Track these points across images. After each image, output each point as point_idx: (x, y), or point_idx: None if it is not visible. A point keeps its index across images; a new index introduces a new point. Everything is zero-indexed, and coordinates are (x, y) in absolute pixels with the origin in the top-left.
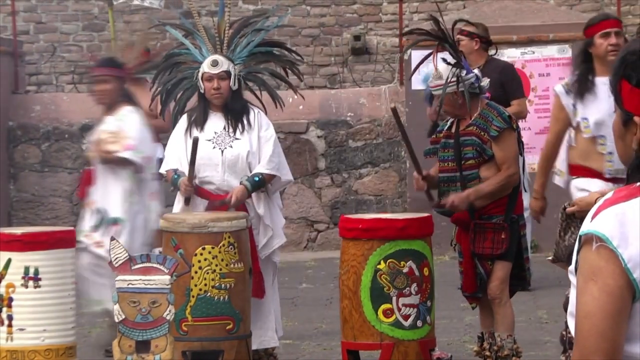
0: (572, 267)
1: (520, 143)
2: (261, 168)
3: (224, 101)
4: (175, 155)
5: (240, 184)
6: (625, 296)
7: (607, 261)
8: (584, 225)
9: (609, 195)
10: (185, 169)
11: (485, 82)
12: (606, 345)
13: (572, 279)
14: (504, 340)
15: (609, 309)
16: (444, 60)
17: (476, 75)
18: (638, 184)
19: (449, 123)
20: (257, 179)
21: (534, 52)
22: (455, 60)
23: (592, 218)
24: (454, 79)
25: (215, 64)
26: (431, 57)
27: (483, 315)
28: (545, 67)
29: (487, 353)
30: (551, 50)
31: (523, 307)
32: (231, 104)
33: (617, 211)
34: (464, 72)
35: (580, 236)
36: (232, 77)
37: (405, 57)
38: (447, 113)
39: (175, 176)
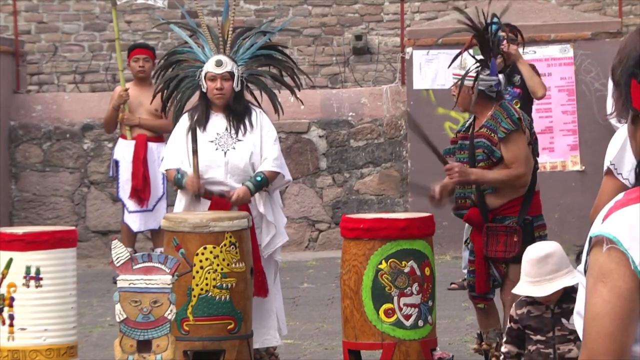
0: (581, 267)
1: (534, 144)
2: (266, 166)
3: (225, 102)
4: (176, 154)
5: (243, 185)
6: (635, 298)
7: (617, 263)
8: (595, 226)
9: (620, 197)
10: (187, 169)
11: (517, 78)
12: (614, 347)
13: (582, 279)
14: None
15: (618, 311)
16: (473, 56)
17: (499, 80)
18: None
19: (467, 124)
20: (259, 178)
21: (535, 52)
22: (482, 58)
23: (604, 220)
24: (473, 74)
25: (219, 64)
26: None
27: (481, 315)
28: (546, 67)
29: (496, 353)
30: (553, 50)
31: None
32: (233, 106)
33: (628, 213)
34: (487, 71)
35: (590, 237)
36: (236, 78)
37: (407, 56)
38: (458, 104)
39: (179, 176)
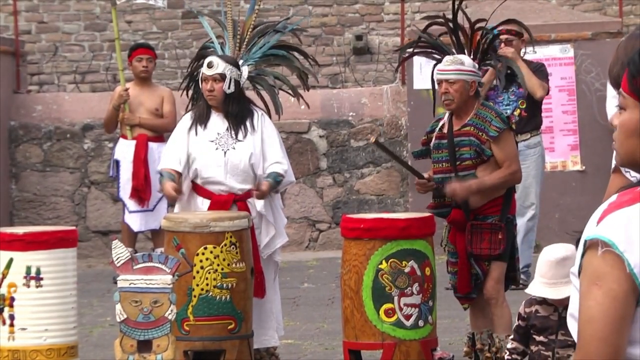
0: (574, 269)
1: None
2: (279, 169)
3: (217, 103)
4: (175, 154)
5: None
6: (629, 301)
7: (612, 266)
8: (589, 229)
9: (613, 199)
10: (184, 168)
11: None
12: (609, 349)
13: (575, 281)
14: (503, 340)
15: (613, 314)
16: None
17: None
18: None
19: (440, 124)
20: (278, 179)
21: (535, 52)
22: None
23: (598, 222)
24: (474, 69)
25: (210, 65)
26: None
27: (474, 316)
28: (547, 67)
29: (488, 354)
30: (553, 50)
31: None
32: (228, 107)
33: (622, 216)
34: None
35: (585, 240)
36: (227, 80)
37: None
38: (450, 102)
39: (161, 176)
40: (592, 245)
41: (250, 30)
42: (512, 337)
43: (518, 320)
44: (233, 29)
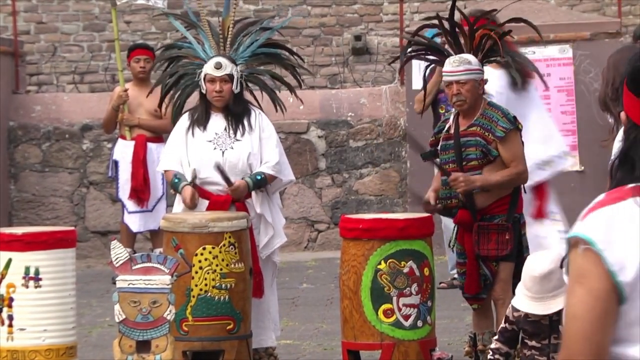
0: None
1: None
2: (264, 168)
3: (224, 104)
4: (175, 155)
5: (243, 179)
6: (611, 299)
7: (592, 264)
8: (574, 227)
9: (601, 197)
10: (185, 169)
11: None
12: (592, 348)
13: (566, 279)
14: None
15: (595, 312)
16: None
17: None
18: (629, 186)
19: (447, 125)
20: (259, 177)
21: (534, 52)
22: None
23: (582, 220)
24: (480, 67)
25: (219, 66)
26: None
27: (477, 316)
28: (545, 67)
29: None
30: (552, 51)
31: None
32: (232, 107)
33: (605, 214)
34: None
35: (569, 238)
36: (235, 80)
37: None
38: (462, 102)
39: (176, 180)
40: (574, 243)
41: (230, 29)
42: (496, 337)
43: (505, 323)
44: (211, 28)
